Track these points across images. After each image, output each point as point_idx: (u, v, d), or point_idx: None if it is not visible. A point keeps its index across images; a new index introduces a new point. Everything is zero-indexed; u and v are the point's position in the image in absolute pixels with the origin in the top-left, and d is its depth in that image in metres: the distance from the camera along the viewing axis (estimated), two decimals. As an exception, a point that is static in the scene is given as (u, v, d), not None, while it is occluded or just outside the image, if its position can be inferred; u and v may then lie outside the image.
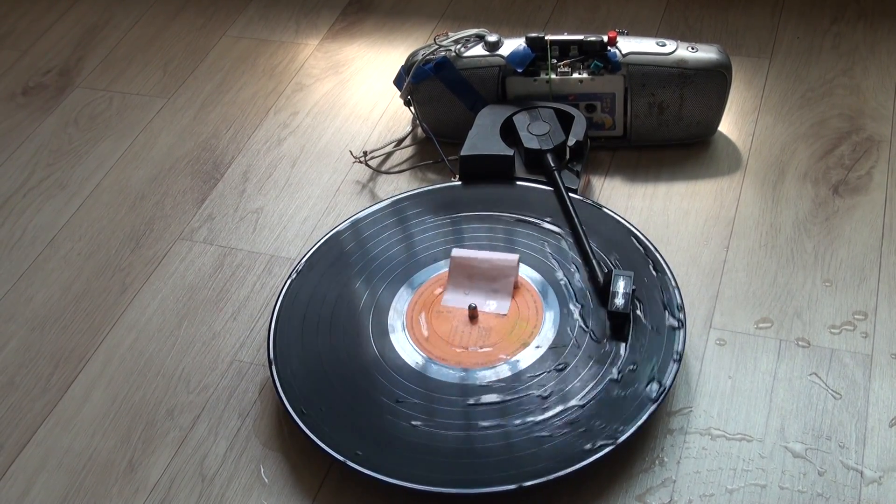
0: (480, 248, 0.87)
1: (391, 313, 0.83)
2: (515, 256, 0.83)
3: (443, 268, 0.86)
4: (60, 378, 0.85)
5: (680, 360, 0.77)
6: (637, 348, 0.78)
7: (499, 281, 0.83)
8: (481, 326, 0.81)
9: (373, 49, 1.18)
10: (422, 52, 0.98)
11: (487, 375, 0.78)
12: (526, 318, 0.81)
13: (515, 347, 0.79)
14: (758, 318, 0.84)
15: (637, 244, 0.86)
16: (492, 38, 0.97)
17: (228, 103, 1.12)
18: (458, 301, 0.83)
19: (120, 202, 1.02)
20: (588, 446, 0.72)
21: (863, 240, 0.89)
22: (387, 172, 1.01)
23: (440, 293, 0.84)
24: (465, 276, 0.83)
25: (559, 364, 0.78)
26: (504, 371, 0.78)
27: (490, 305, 0.82)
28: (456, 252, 0.84)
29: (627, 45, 0.95)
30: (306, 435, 0.75)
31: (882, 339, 0.81)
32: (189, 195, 1.02)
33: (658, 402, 0.74)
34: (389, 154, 1.04)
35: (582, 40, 0.96)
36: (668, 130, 0.98)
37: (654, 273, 0.83)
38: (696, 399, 0.79)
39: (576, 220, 0.87)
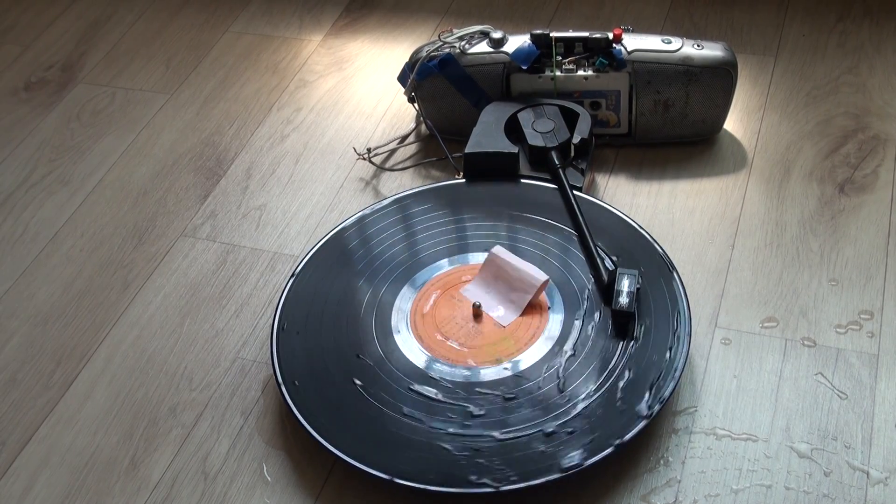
0: (486, 246, 0.87)
1: (394, 311, 0.83)
2: (544, 277, 0.82)
3: (446, 266, 0.86)
4: (63, 375, 0.85)
5: (685, 359, 0.76)
6: (641, 347, 0.78)
7: (517, 292, 0.82)
8: (476, 327, 0.81)
9: (376, 45, 1.17)
10: (426, 49, 0.98)
11: (492, 374, 0.77)
12: (516, 336, 0.80)
13: (484, 360, 0.78)
14: (763, 318, 0.83)
15: (641, 242, 0.85)
16: (496, 34, 0.97)
17: (231, 99, 1.12)
18: (476, 294, 0.83)
19: (122, 198, 1.01)
20: (592, 445, 0.72)
21: (869, 239, 0.89)
22: (390, 169, 1.01)
23: (467, 279, 0.84)
24: (493, 275, 0.83)
25: (562, 363, 0.77)
26: (509, 370, 0.77)
27: (497, 311, 0.82)
28: (496, 249, 0.83)
29: (633, 42, 0.95)
30: (309, 433, 0.75)
31: (888, 338, 0.81)
32: (192, 192, 1.01)
33: (663, 401, 0.74)
34: (393, 151, 1.03)
35: (587, 37, 0.96)
36: (674, 128, 0.98)
37: (658, 271, 0.83)
38: (701, 398, 0.78)
39: (580, 218, 0.87)
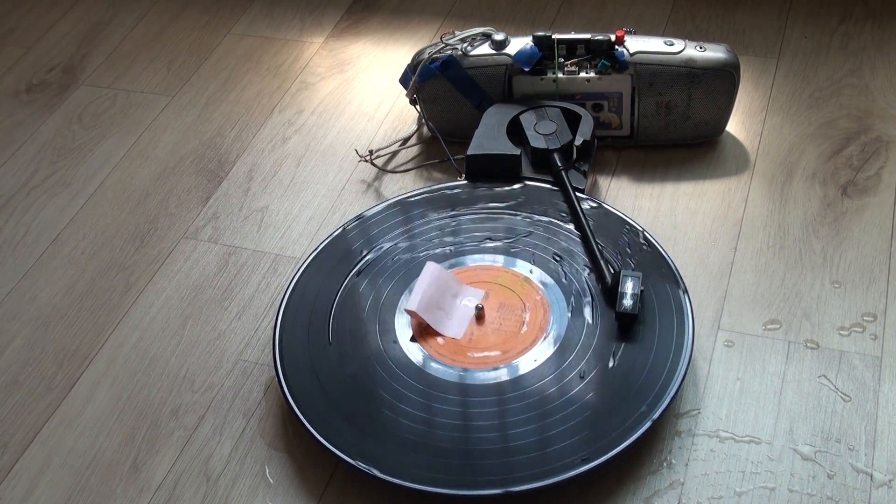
0: (486, 247, 0.87)
1: (396, 313, 0.82)
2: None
3: (446, 268, 0.85)
4: (65, 377, 0.85)
5: (688, 362, 0.76)
6: (644, 349, 0.77)
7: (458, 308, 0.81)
8: (479, 328, 0.81)
9: (378, 47, 1.17)
10: (428, 51, 0.98)
11: (492, 376, 0.77)
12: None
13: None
14: (766, 320, 0.83)
15: (644, 245, 0.85)
16: (498, 36, 0.97)
17: (233, 101, 1.12)
18: (419, 306, 0.81)
19: (124, 200, 1.01)
20: (595, 448, 0.72)
21: (872, 241, 0.89)
22: (392, 171, 1.01)
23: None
24: (435, 287, 0.82)
25: (566, 366, 0.77)
26: (509, 372, 0.77)
27: (447, 327, 0.81)
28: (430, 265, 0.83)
29: (635, 44, 0.95)
30: (312, 435, 0.75)
31: (892, 340, 0.81)
32: (193, 194, 1.01)
33: (665, 404, 0.74)
34: (395, 153, 1.03)
35: (589, 39, 0.95)
36: (676, 130, 0.97)
37: (661, 274, 0.83)
38: (704, 401, 0.78)
39: (583, 220, 0.87)
